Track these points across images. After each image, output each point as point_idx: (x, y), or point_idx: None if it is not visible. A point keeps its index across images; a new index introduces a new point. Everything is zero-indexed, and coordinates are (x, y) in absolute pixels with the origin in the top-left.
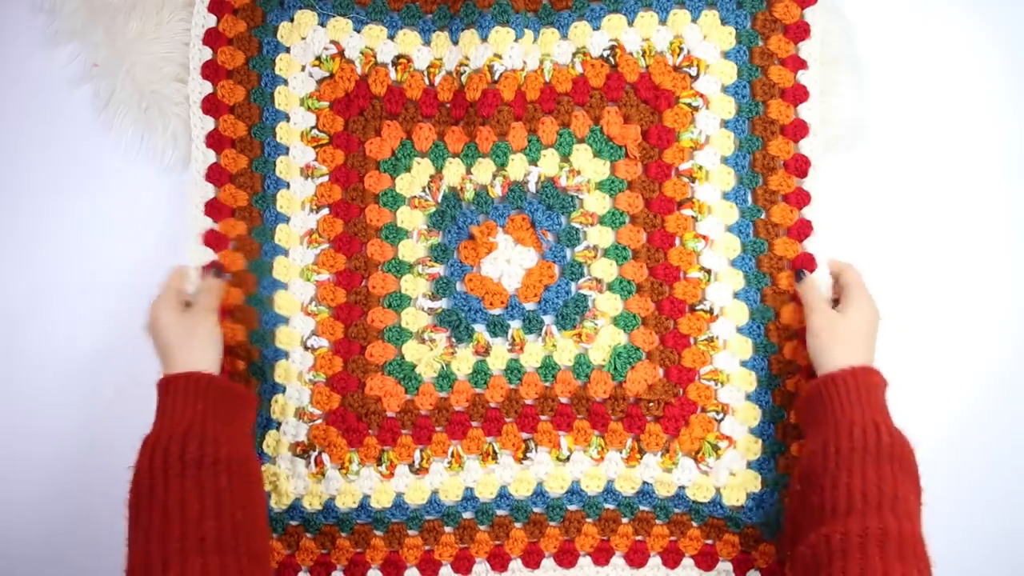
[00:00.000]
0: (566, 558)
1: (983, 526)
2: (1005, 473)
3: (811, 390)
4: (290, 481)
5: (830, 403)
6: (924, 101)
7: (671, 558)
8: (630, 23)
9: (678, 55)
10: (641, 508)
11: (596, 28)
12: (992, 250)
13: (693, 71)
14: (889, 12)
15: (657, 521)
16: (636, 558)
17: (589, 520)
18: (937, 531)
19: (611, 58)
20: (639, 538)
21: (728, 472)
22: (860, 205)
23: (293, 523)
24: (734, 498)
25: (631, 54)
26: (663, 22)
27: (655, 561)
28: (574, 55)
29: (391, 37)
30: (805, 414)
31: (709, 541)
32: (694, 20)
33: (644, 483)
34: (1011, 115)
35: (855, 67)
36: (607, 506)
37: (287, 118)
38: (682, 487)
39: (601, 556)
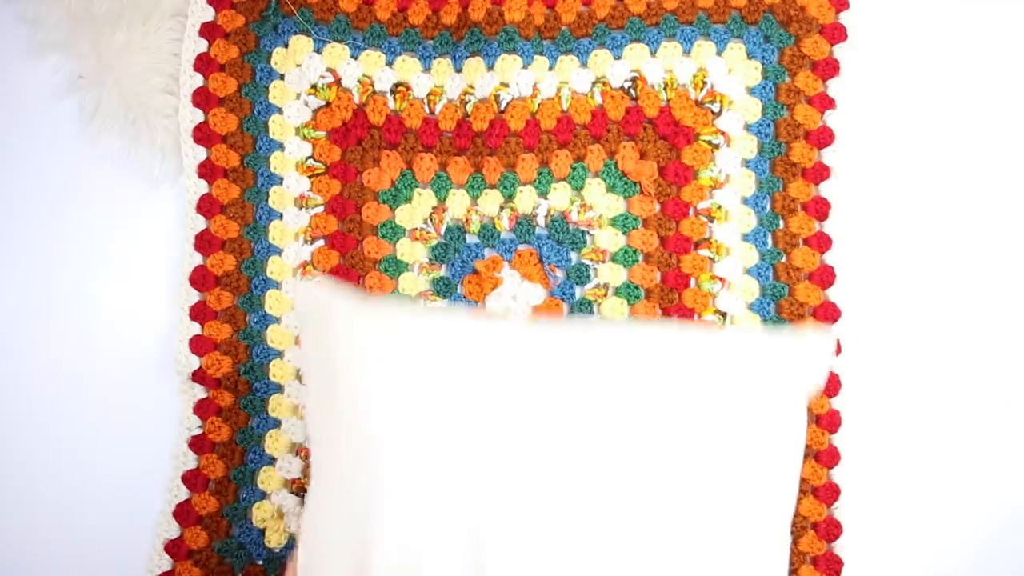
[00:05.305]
0: None
1: None
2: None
3: None
4: (285, 518)
5: None
6: (924, 103)
7: None
8: (652, 53)
9: (701, 89)
10: None
11: (617, 57)
12: (993, 251)
13: (716, 107)
14: (888, 12)
15: None
16: None
17: None
18: None
19: (632, 90)
20: None
21: None
22: (858, 207)
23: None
24: None
25: (652, 87)
26: (687, 53)
27: None
28: (593, 84)
29: (389, 64)
30: None
31: None
32: (719, 53)
33: None
34: (1013, 117)
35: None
36: None
37: (282, 147)
38: None
39: None
